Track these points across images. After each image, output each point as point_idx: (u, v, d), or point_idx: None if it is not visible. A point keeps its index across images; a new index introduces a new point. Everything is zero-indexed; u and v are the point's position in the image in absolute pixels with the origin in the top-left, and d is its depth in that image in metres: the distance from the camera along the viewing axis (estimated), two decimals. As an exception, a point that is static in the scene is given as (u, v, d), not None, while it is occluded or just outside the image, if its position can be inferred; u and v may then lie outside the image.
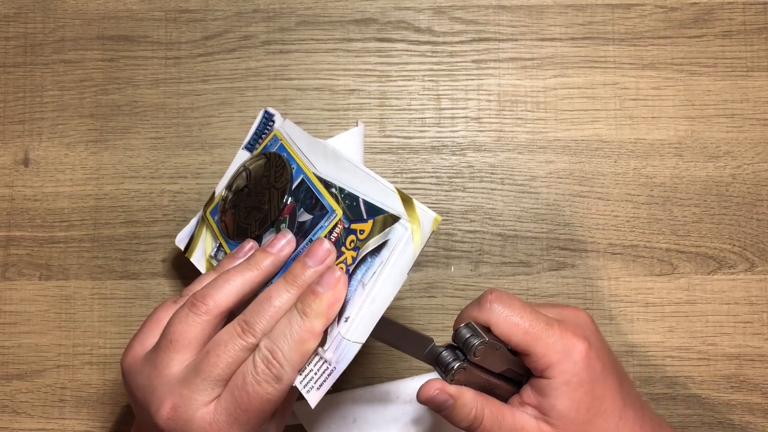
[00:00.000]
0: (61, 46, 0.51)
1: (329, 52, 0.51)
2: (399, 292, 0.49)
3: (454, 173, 0.50)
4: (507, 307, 0.38)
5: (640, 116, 0.50)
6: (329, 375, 0.35)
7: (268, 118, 0.46)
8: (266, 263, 0.38)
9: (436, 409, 0.38)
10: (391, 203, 0.37)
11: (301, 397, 0.47)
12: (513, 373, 0.40)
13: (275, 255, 0.38)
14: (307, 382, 0.35)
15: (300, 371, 0.35)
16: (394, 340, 0.38)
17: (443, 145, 0.50)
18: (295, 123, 0.44)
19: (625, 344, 0.48)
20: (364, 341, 0.36)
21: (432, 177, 0.50)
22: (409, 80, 0.50)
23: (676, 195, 0.49)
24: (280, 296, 0.36)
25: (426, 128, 0.50)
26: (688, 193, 0.49)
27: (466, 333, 0.38)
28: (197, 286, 0.39)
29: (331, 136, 0.48)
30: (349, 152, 0.48)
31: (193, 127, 0.50)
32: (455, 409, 0.38)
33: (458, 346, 0.38)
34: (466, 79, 0.50)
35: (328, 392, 0.47)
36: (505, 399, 0.39)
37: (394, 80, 0.50)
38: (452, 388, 0.38)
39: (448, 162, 0.50)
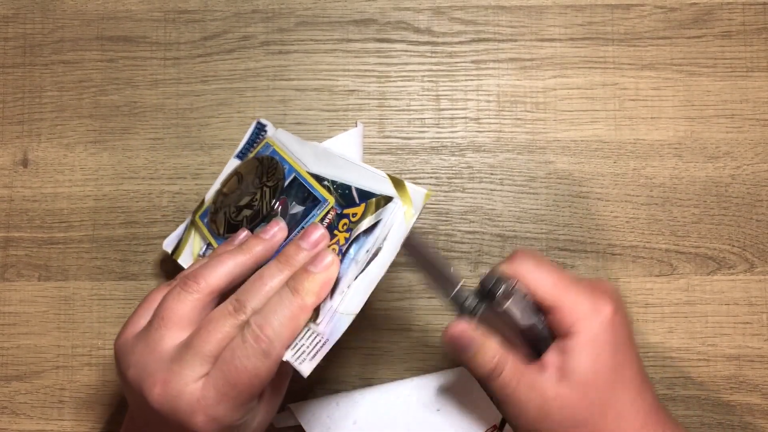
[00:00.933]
0: (60, 47, 0.51)
1: (328, 52, 0.51)
2: (398, 293, 0.49)
3: (453, 174, 0.50)
4: (537, 260, 0.39)
5: (640, 117, 0.50)
6: (322, 346, 0.35)
7: (260, 128, 0.47)
8: (258, 248, 0.38)
9: (458, 351, 0.38)
10: (383, 188, 0.38)
11: (296, 399, 0.47)
12: (534, 336, 0.39)
13: (267, 240, 0.39)
14: (300, 355, 0.35)
15: (290, 347, 0.35)
16: (425, 264, 0.39)
17: (442, 146, 0.50)
18: (286, 130, 0.45)
19: (624, 345, 0.48)
20: (357, 312, 0.36)
21: (431, 178, 0.50)
22: (408, 81, 0.50)
23: (676, 195, 0.49)
24: (273, 276, 0.36)
25: (425, 129, 0.50)
26: (687, 194, 0.49)
27: (492, 278, 0.38)
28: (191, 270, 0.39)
29: (330, 137, 0.48)
30: (348, 153, 0.48)
31: (192, 128, 0.50)
32: (478, 354, 0.38)
33: (485, 294, 0.38)
34: (466, 80, 0.50)
35: (328, 393, 0.47)
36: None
37: (394, 81, 0.50)
38: (478, 332, 0.38)
39: (448, 163, 0.50)
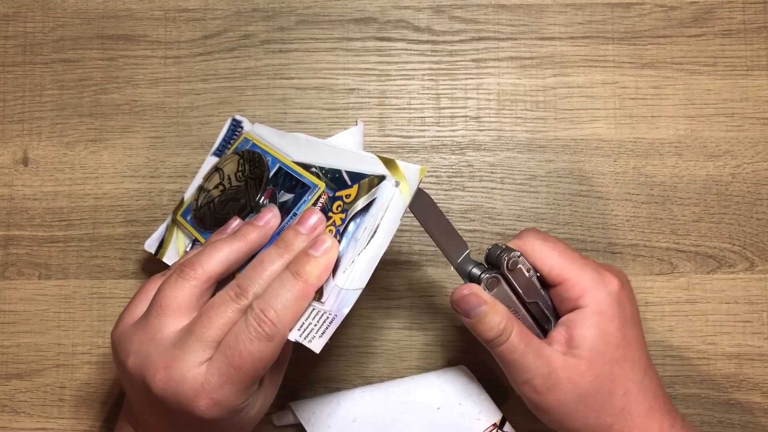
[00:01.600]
0: (61, 46, 0.51)
1: (329, 51, 0.51)
2: (399, 292, 0.49)
3: (453, 172, 0.50)
4: (543, 237, 0.40)
5: (640, 115, 0.50)
6: (331, 323, 0.36)
7: (236, 125, 0.47)
8: (253, 235, 0.38)
9: (466, 312, 0.38)
10: (374, 168, 0.38)
11: (296, 398, 0.47)
12: (539, 314, 0.40)
13: (262, 227, 0.39)
14: (308, 334, 0.36)
15: (294, 329, 0.36)
16: (435, 228, 0.39)
17: (443, 144, 0.50)
18: (283, 129, 0.44)
19: (624, 343, 0.48)
20: (362, 286, 0.36)
21: (431, 176, 0.50)
22: (408, 79, 0.50)
23: (676, 194, 0.49)
24: (273, 261, 0.36)
25: (425, 127, 0.50)
26: (687, 193, 0.49)
27: (498, 249, 0.39)
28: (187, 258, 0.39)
29: (331, 135, 0.48)
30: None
31: (192, 127, 0.50)
32: (486, 317, 0.37)
33: (490, 265, 0.39)
34: (466, 78, 0.50)
35: (328, 391, 0.47)
36: None
37: (394, 79, 0.50)
38: (486, 295, 0.38)
39: (448, 161, 0.50)
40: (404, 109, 0.50)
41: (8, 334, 0.49)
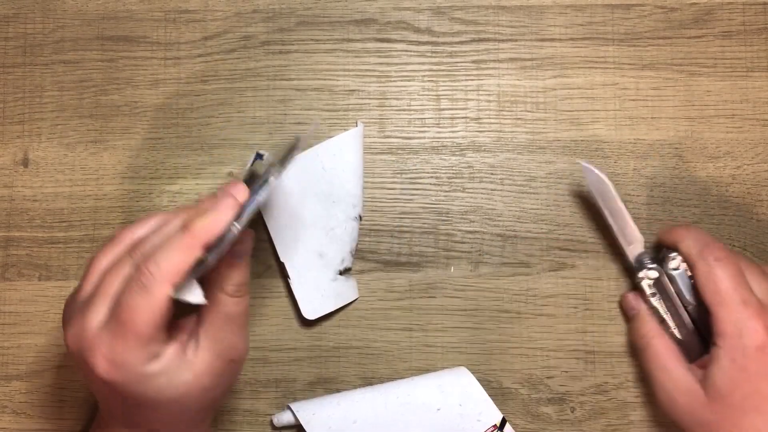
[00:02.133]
0: (61, 47, 0.51)
1: (329, 52, 0.51)
2: (398, 293, 0.49)
3: (453, 174, 0.50)
4: (729, 263, 0.41)
5: (640, 116, 0.50)
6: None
7: (258, 158, 0.47)
8: (190, 212, 0.37)
9: (626, 312, 0.47)
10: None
11: (296, 399, 0.47)
12: (701, 322, 0.43)
13: (198, 207, 0.38)
14: (185, 289, 0.35)
15: (185, 288, 0.35)
16: (612, 211, 0.46)
17: (443, 146, 0.50)
18: (289, 133, 0.44)
19: (624, 344, 0.48)
20: (237, 231, 0.36)
21: (432, 177, 0.50)
22: (408, 81, 0.50)
23: (676, 195, 0.49)
24: (179, 219, 0.36)
25: (426, 129, 0.50)
26: (687, 194, 0.49)
27: (664, 252, 0.45)
28: None
29: (331, 137, 0.48)
30: (349, 153, 0.48)
31: (192, 128, 0.50)
32: (634, 322, 0.45)
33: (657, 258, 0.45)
34: (466, 80, 0.50)
35: (328, 392, 0.47)
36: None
37: (394, 80, 0.50)
38: (642, 304, 0.45)
39: (448, 162, 0.50)
40: (404, 110, 0.50)
41: (8, 335, 0.49)
